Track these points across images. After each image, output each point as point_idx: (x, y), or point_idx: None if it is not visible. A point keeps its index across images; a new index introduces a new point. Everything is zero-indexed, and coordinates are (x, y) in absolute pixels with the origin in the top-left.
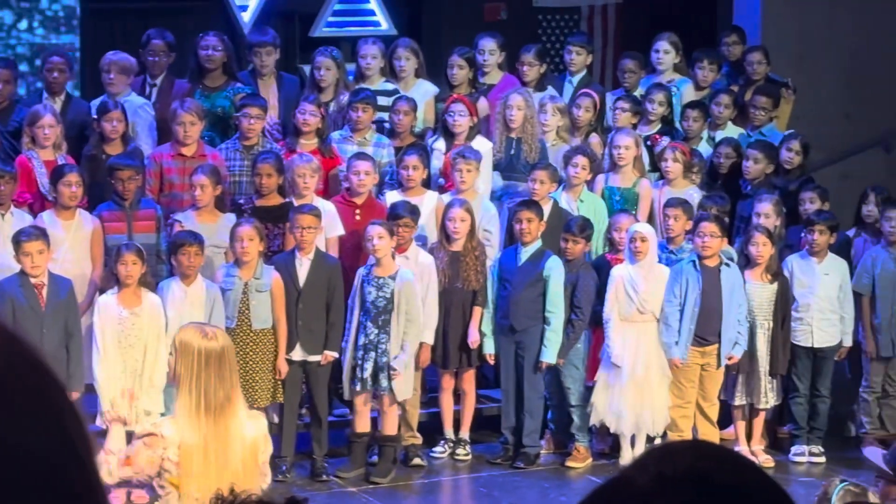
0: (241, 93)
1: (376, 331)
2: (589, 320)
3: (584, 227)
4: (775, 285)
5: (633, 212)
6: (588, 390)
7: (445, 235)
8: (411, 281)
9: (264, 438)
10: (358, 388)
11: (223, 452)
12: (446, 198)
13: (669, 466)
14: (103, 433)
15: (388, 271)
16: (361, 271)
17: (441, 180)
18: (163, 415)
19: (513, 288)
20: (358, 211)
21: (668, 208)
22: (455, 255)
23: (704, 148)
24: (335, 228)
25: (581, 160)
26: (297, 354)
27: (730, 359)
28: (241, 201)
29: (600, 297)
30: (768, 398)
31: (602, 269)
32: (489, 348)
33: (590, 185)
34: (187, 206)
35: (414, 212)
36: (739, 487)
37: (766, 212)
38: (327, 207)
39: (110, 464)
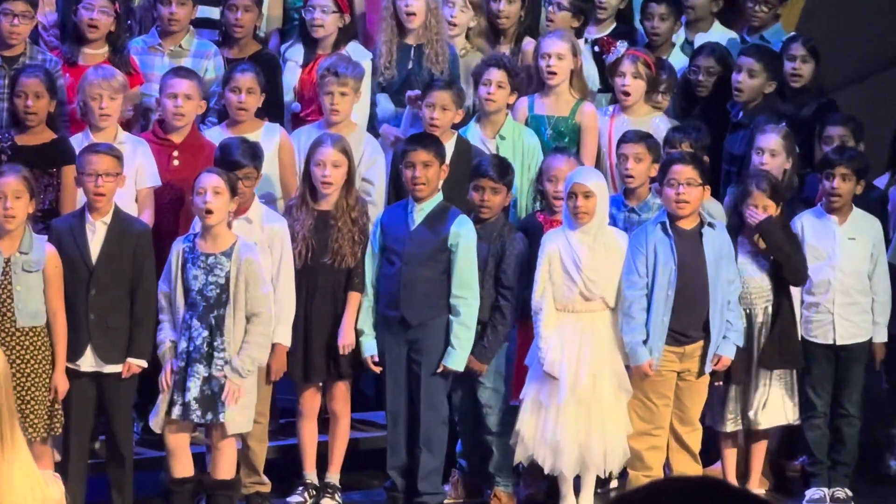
0: None
1: (206, 333)
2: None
3: (504, 171)
4: None
5: (573, 152)
6: (513, 412)
7: (310, 188)
8: (255, 260)
9: None
10: (177, 414)
11: None
12: (308, 133)
13: None
14: None
15: (223, 245)
16: (180, 245)
17: (296, 105)
18: None
19: (403, 264)
20: (176, 153)
21: (626, 145)
22: (323, 217)
23: (678, 58)
24: (149, 176)
25: (497, 75)
26: (88, 363)
27: (717, 361)
28: None
29: (530, 275)
30: (770, 416)
31: (531, 233)
32: (370, 349)
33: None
34: None
35: (256, 156)
36: None
37: (773, 148)
38: (138, 147)
39: None
